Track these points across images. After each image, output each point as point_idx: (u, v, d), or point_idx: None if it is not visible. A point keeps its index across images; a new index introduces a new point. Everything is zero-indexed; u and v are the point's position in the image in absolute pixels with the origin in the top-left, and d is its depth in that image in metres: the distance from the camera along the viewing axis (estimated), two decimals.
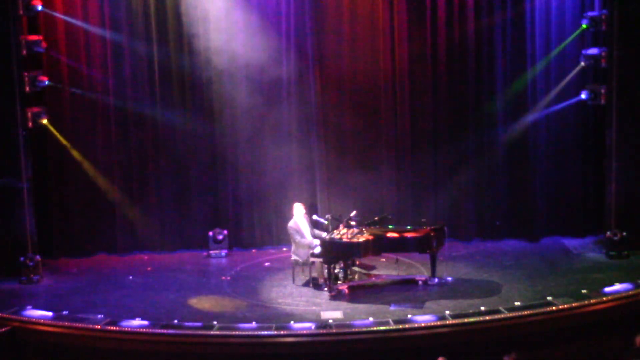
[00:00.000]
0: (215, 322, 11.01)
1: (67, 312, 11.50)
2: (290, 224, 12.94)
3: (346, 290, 12.45)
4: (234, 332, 10.75)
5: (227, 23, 14.25)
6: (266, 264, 14.19)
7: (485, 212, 14.99)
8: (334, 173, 14.90)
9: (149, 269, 14.04)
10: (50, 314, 11.40)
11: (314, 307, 11.89)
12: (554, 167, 14.84)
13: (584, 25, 13.87)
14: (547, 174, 14.85)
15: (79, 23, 14.11)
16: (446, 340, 10.61)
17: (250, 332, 10.72)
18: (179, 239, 14.95)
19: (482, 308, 11.33)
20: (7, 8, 12.91)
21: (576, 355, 10.51)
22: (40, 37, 13.50)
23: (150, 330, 10.79)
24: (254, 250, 14.92)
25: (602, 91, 13.76)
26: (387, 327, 10.72)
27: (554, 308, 11.07)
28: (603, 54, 13.62)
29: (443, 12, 14.54)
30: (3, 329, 10.79)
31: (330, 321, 11.14)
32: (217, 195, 14.92)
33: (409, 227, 12.88)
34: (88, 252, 14.62)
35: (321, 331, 10.71)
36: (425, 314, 11.32)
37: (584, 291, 11.67)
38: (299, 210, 13.02)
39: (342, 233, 12.54)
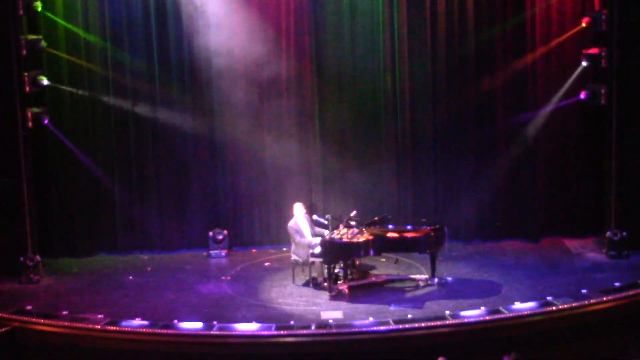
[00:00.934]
0: (215, 322, 11.01)
1: (67, 312, 11.49)
2: (290, 223, 12.94)
3: (346, 290, 12.45)
4: (234, 332, 10.76)
5: (227, 23, 14.23)
6: (266, 264, 14.19)
7: (486, 212, 14.98)
8: (334, 173, 14.89)
9: (149, 269, 14.04)
10: (50, 314, 11.40)
11: (314, 307, 11.89)
12: (554, 167, 14.84)
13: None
14: (547, 173, 14.85)
15: (79, 23, 14.15)
16: (446, 340, 10.62)
17: (250, 332, 10.72)
18: (179, 239, 14.95)
19: (482, 308, 11.33)
20: (7, 8, 12.91)
21: (576, 355, 10.51)
22: (40, 37, 13.52)
23: (150, 330, 10.78)
24: (254, 250, 14.91)
25: (602, 91, 13.75)
26: (387, 327, 10.72)
27: (554, 308, 11.07)
28: (603, 54, 13.62)
29: (443, 11, 14.53)
30: (3, 329, 10.79)
31: (330, 321, 11.14)
32: (217, 195, 14.92)
33: (409, 227, 12.88)
34: (88, 251, 14.62)
35: (321, 331, 10.71)
36: (425, 314, 11.33)
37: (584, 291, 11.67)
38: (299, 210, 13.02)
39: (342, 233, 12.54)
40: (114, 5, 14.21)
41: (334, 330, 10.72)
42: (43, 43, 13.46)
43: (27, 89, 13.25)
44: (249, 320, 11.20)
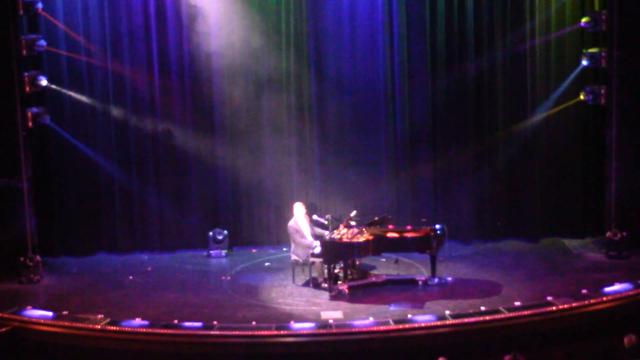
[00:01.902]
0: (215, 322, 11.01)
1: (67, 312, 11.49)
2: (291, 223, 12.94)
3: (346, 290, 12.45)
4: (234, 332, 10.75)
5: (227, 23, 14.23)
6: (266, 264, 14.19)
7: (486, 212, 14.99)
8: (334, 173, 14.90)
9: (149, 269, 14.04)
10: (50, 314, 11.39)
11: (314, 307, 11.89)
12: (554, 167, 14.84)
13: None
14: (547, 174, 14.86)
15: (79, 23, 14.15)
16: (446, 340, 10.61)
17: (250, 332, 10.71)
18: (179, 239, 14.95)
19: (482, 308, 11.33)
20: (7, 8, 12.90)
21: (576, 355, 10.50)
22: (40, 37, 13.52)
23: (150, 330, 10.78)
24: (254, 250, 14.92)
25: (602, 91, 13.75)
26: (387, 327, 10.72)
27: (554, 308, 11.06)
28: (603, 54, 13.62)
29: (443, 12, 14.54)
30: (3, 329, 10.78)
31: (330, 321, 11.13)
32: (217, 195, 14.92)
33: (409, 227, 12.88)
34: (88, 251, 14.62)
35: (321, 331, 10.71)
36: (425, 314, 11.32)
37: (584, 291, 11.67)
38: (299, 209, 13.03)
39: (342, 233, 12.54)
40: (114, 5, 14.23)
41: (334, 330, 10.71)
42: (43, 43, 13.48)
43: (27, 89, 13.25)
44: (249, 320, 11.19)
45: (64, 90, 14.12)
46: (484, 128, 14.83)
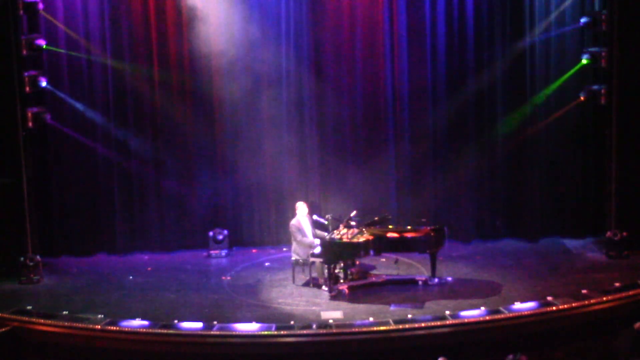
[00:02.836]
0: (215, 322, 11.01)
1: (67, 312, 11.49)
2: (293, 222, 12.94)
3: (346, 290, 12.45)
4: (234, 332, 10.76)
5: (226, 23, 14.23)
6: (266, 264, 14.19)
7: (485, 212, 15.00)
8: (334, 173, 14.91)
9: (149, 269, 14.04)
10: (50, 314, 11.40)
11: (314, 307, 11.88)
12: (553, 167, 14.84)
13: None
14: (547, 173, 14.85)
15: (79, 23, 14.15)
16: (446, 340, 10.62)
17: (250, 332, 10.72)
18: (179, 239, 14.95)
19: (482, 308, 11.33)
20: (7, 8, 12.90)
21: (576, 355, 10.51)
22: (40, 37, 13.51)
23: (150, 330, 10.79)
24: (254, 250, 14.92)
25: (602, 91, 13.76)
26: (387, 327, 10.72)
27: (554, 308, 11.07)
28: (603, 54, 13.63)
29: (442, 12, 14.54)
30: (3, 329, 10.79)
31: (330, 321, 11.13)
32: (217, 195, 14.92)
33: (409, 227, 12.88)
34: (88, 252, 14.62)
35: (321, 331, 10.71)
36: (425, 314, 11.32)
37: (584, 291, 11.67)
38: (302, 209, 13.02)
39: (342, 233, 12.54)
40: (114, 5, 14.24)
41: (334, 330, 10.72)
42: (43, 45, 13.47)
43: (27, 89, 13.25)
44: (249, 320, 11.19)
45: (62, 95, 14.11)
46: (484, 127, 14.84)
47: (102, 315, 11.28)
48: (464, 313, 11.14)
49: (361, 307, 11.81)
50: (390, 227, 12.92)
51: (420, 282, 12.70)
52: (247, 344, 10.63)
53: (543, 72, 14.62)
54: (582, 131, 14.71)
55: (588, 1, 14.28)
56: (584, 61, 13.97)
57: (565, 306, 11.08)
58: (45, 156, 14.35)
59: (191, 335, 10.78)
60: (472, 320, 10.87)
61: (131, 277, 13.53)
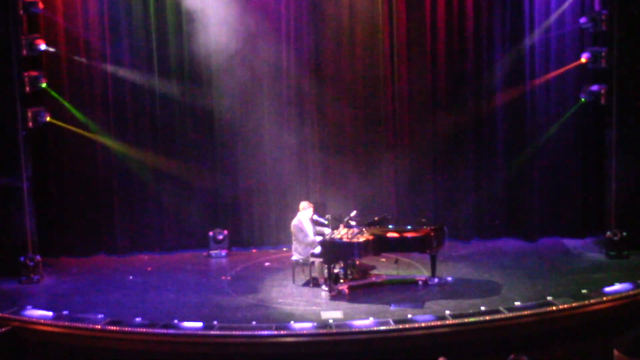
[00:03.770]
0: (215, 322, 11.01)
1: (67, 312, 11.49)
2: (295, 222, 12.93)
3: (346, 290, 12.45)
4: (234, 332, 10.74)
5: (227, 23, 14.22)
6: (266, 264, 14.19)
7: (485, 211, 15.01)
8: (334, 173, 14.92)
9: (149, 269, 14.05)
10: (50, 314, 11.37)
11: (314, 307, 11.89)
12: (554, 167, 14.85)
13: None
14: (547, 173, 14.86)
15: (78, 22, 14.15)
16: (446, 340, 10.60)
17: (250, 332, 10.71)
18: (179, 239, 14.95)
19: (482, 308, 11.32)
20: (7, 8, 12.90)
21: (576, 355, 10.50)
22: (40, 37, 13.51)
23: (150, 330, 10.77)
24: (254, 250, 14.93)
25: (602, 91, 13.75)
26: (387, 327, 10.70)
27: (554, 308, 11.06)
28: (603, 53, 13.62)
29: (442, 12, 14.55)
30: (3, 329, 10.77)
31: (330, 321, 11.13)
32: (217, 195, 14.92)
33: (409, 227, 12.88)
34: (88, 252, 14.62)
35: (321, 331, 10.70)
36: (425, 314, 11.32)
37: (584, 291, 11.66)
38: (306, 209, 13.01)
39: (342, 233, 12.54)
40: (114, 5, 14.24)
41: (334, 330, 10.70)
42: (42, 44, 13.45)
43: (27, 89, 13.24)
44: (249, 320, 11.19)
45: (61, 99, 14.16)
46: (484, 127, 14.85)
47: (102, 315, 11.27)
48: (464, 313, 11.13)
49: (361, 307, 11.81)
50: (390, 227, 12.92)
51: (420, 282, 12.71)
52: (247, 344, 10.62)
53: (543, 72, 14.61)
54: (582, 131, 14.71)
55: (588, 1, 14.29)
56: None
57: (565, 306, 11.06)
58: (45, 156, 14.35)
59: (191, 335, 10.76)
60: (472, 320, 10.86)
61: (131, 277, 13.53)
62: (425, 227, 12.82)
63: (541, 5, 14.45)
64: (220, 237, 14.67)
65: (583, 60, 13.91)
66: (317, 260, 12.62)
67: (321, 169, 14.95)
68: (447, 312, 11.25)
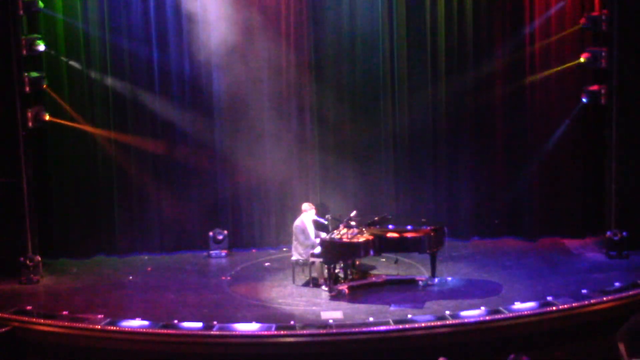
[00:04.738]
0: (215, 322, 11.01)
1: (67, 312, 11.49)
2: (297, 222, 12.93)
3: (346, 290, 12.45)
4: (234, 332, 10.75)
5: (226, 25, 14.21)
6: (266, 264, 14.19)
7: (484, 210, 15.01)
8: (334, 173, 14.91)
9: (149, 269, 14.04)
10: (50, 314, 11.39)
11: (314, 307, 11.89)
12: (553, 167, 14.84)
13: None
14: (546, 173, 14.85)
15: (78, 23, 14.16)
16: (446, 340, 10.61)
17: (250, 332, 10.72)
18: (179, 239, 14.94)
19: (482, 308, 11.33)
20: (7, 8, 12.90)
21: (576, 355, 10.51)
22: (40, 37, 13.52)
23: (150, 330, 10.77)
24: (254, 250, 14.92)
25: (602, 91, 13.76)
26: (387, 327, 10.71)
27: (554, 308, 11.06)
28: (603, 54, 13.62)
29: (443, 12, 14.55)
30: (3, 329, 10.78)
31: (330, 321, 11.13)
32: (217, 195, 14.91)
33: (409, 227, 12.88)
34: (88, 252, 14.59)
35: (321, 331, 10.71)
36: (425, 314, 11.32)
37: (584, 291, 11.67)
38: (308, 210, 13.01)
39: (342, 233, 12.53)
40: (114, 5, 14.23)
41: (334, 330, 10.71)
42: (40, 42, 13.42)
43: (27, 89, 13.24)
44: (249, 320, 11.19)
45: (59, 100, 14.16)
46: (483, 126, 14.85)
47: (102, 315, 11.27)
48: (464, 313, 11.12)
49: (361, 307, 11.81)
50: (390, 227, 12.92)
51: (420, 282, 12.70)
52: (247, 344, 10.62)
53: (543, 71, 14.61)
54: (582, 131, 14.71)
55: (588, 1, 14.29)
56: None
57: (565, 306, 11.06)
58: (45, 156, 14.35)
59: (191, 335, 10.77)
60: (472, 320, 10.86)
61: (131, 277, 13.53)
62: (425, 227, 12.82)
63: (541, 4, 14.44)
64: (220, 237, 14.66)
65: (582, 60, 13.91)
66: (317, 260, 12.62)
67: (321, 169, 14.95)
68: (447, 312, 11.25)
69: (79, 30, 14.15)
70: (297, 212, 13.23)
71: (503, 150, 14.88)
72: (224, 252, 14.63)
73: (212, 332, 10.72)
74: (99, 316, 11.24)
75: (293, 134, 14.81)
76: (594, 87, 13.88)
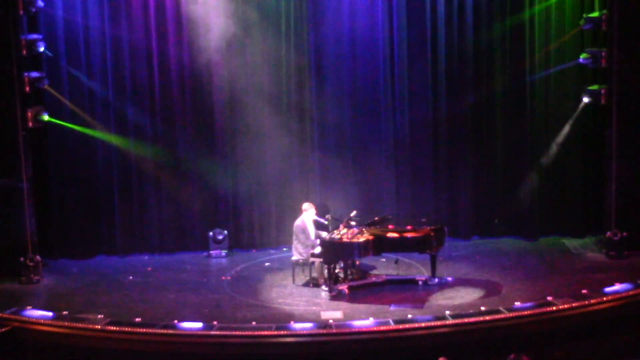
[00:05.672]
0: (215, 322, 11.01)
1: (67, 312, 11.49)
2: (298, 222, 12.94)
3: (346, 290, 12.45)
4: (234, 332, 10.75)
5: (226, 26, 14.21)
6: (266, 264, 14.19)
7: (484, 209, 15.02)
8: (334, 173, 14.92)
9: (149, 269, 14.04)
10: (50, 314, 11.38)
11: (314, 307, 11.89)
12: (554, 167, 14.84)
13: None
14: (546, 173, 14.85)
15: (78, 23, 14.15)
16: (446, 340, 10.61)
17: (250, 332, 10.72)
18: (179, 239, 14.94)
19: (482, 308, 11.33)
20: (7, 8, 12.90)
21: (576, 355, 10.51)
22: (40, 38, 13.52)
23: (150, 330, 10.77)
24: (254, 251, 14.93)
25: (602, 91, 13.75)
26: (387, 327, 10.72)
27: (554, 308, 11.07)
28: (603, 53, 13.63)
29: (443, 11, 14.55)
30: (3, 329, 10.78)
31: (330, 321, 11.13)
32: (217, 195, 14.92)
33: (409, 227, 12.88)
34: (88, 252, 14.59)
35: (321, 331, 10.71)
36: (425, 314, 11.32)
37: (584, 291, 11.67)
38: (309, 210, 13.00)
39: (342, 233, 12.54)
40: (114, 5, 14.24)
41: (334, 330, 10.71)
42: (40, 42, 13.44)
43: (27, 89, 13.24)
44: (249, 320, 11.20)
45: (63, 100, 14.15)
46: (483, 127, 14.86)
47: (102, 315, 11.27)
48: (464, 313, 11.13)
49: (361, 307, 11.82)
50: (390, 227, 12.92)
51: (420, 282, 12.71)
52: (247, 344, 10.62)
53: (543, 74, 14.61)
54: (582, 131, 14.71)
55: (588, 1, 14.29)
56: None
57: (565, 306, 11.06)
58: (45, 156, 14.34)
59: (191, 335, 10.77)
60: (472, 320, 10.86)
61: (131, 278, 13.53)
62: (425, 227, 12.82)
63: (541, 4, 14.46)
64: (220, 237, 14.66)
65: (581, 60, 13.93)
66: (317, 260, 12.63)
67: (321, 169, 14.95)
68: (447, 312, 11.25)
69: (79, 30, 14.15)
70: (297, 212, 13.23)
71: (503, 150, 14.87)
72: (224, 252, 14.63)
73: (212, 332, 10.72)
74: (99, 316, 11.24)
75: (293, 133, 14.81)
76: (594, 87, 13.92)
